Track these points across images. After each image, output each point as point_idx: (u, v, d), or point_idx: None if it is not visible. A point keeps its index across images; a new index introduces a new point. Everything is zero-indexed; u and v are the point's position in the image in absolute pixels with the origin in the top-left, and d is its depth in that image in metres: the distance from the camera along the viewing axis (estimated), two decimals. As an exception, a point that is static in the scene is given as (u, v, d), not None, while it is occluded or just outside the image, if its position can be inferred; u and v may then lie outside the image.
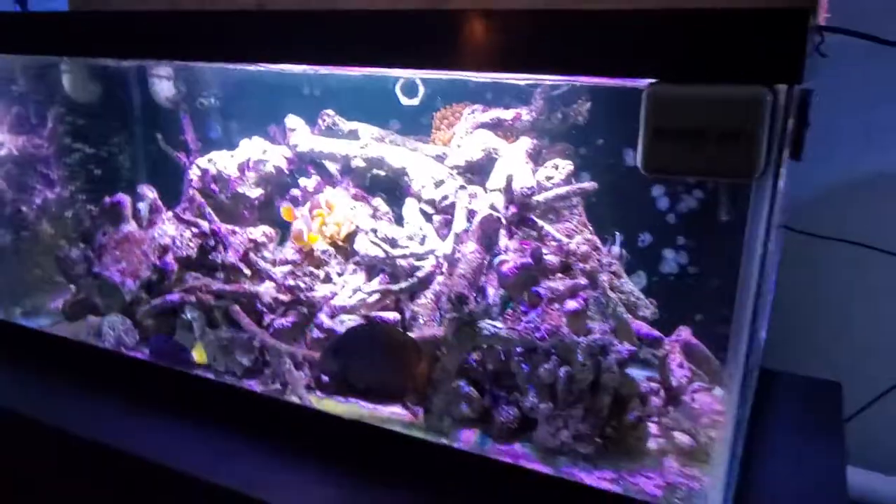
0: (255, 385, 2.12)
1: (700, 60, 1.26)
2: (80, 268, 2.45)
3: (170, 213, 2.44)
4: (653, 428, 1.89)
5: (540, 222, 2.05)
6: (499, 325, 1.88)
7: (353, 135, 2.50)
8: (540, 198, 2.06)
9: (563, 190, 2.03)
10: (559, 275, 1.98)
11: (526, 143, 2.29)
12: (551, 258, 1.99)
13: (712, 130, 1.23)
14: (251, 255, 2.25)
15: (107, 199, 2.45)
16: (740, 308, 1.46)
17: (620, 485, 1.71)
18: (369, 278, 2.25)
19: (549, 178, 2.13)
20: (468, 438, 1.94)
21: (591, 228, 2.14)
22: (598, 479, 1.74)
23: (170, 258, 2.39)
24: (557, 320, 1.90)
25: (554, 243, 2.05)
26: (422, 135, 2.57)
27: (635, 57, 1.31)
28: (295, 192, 2.52)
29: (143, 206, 2.46)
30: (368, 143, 2.36)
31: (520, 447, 1.89)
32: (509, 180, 2.04)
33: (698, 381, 1.98)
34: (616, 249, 2.20)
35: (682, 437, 1.88)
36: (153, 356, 2.24)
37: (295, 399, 2.06)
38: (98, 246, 2.45)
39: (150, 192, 2.47)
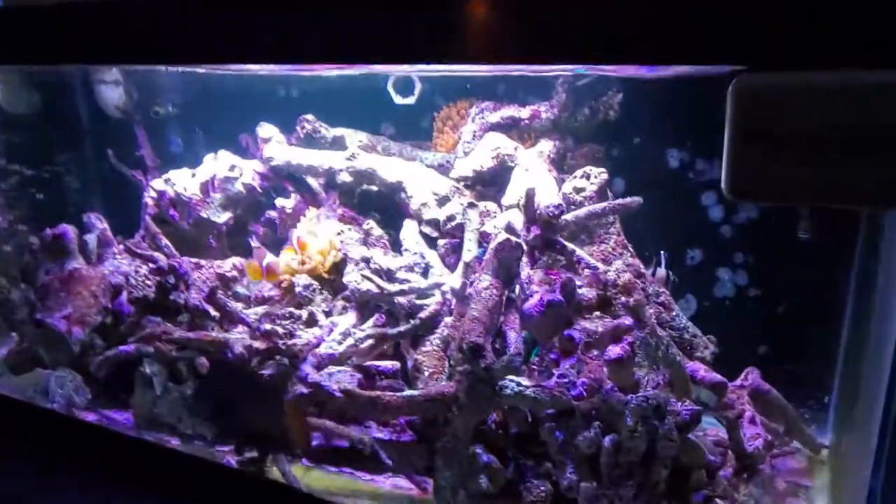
0: (229, 457, 1.76)
1: (811, 38, 0.88)
2: (21, 312, 2.10)
3: (121, 247, 2.07)
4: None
5: (570, 246, 1.67)
6: (524, 381, 1.51)
7: (338, 143, 2.13)
8: (570, 216, 1.68)
9: (598, 207, 1.66)
10: (597, 313, 1.61)
11: (546, 146, 1.93)
12: (586, 291, 1.62)
13: (839, 135, 0.85)
14: (218, 294, 1.89)
15: (48, 232, 2.09)
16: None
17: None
18: (362, 319, 1.89)
19: (579, 191, 1.76)
20: (492, 520, 1.58)
21: (631, 251, 1.76)
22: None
23: (124, 299, 2.03)
24: (598, 372, 1.53)
25: (588, 272, 1.67)
26: (422, 139, 2.21)
27: (716, 38, 0.93)
28: (271, 213, 2.16)
29: (90, 239, 2.09)
30: (356, 153, 1.99)
31: (556, 534, 1.52)
32: (530, 195, 1.66)
33: (778, 443, 1.61)
34: (662, 272, 1.83)
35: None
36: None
37: (276, 473, 1.71)
38: (41, 286, 2.09)
39: (98, 222, 2.10)
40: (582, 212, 1.67)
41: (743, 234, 1.91)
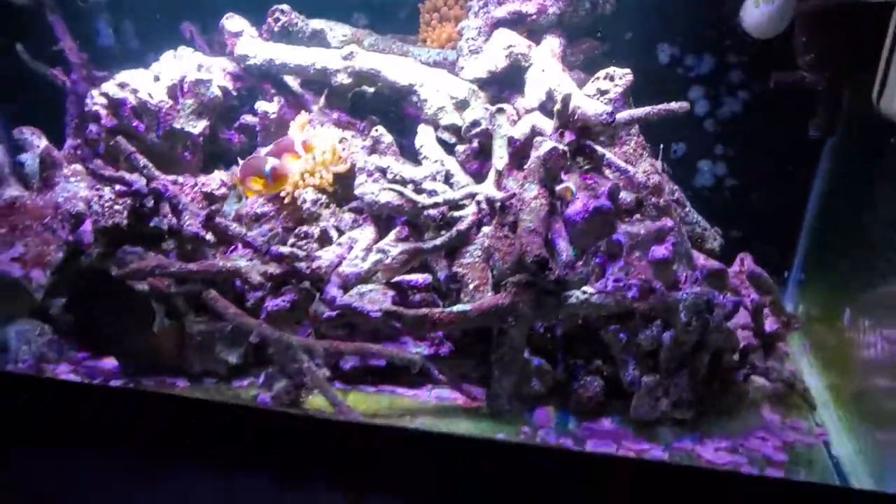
0: (263, 395, 1.67)
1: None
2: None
3: (73, 167, 1.75)
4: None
5: (600, 150, 1.71)
6: (589, 289, 1.57)
7: (317, 38, 1.93)
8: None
9: (641, 112, 1.69)
10: (637, 216, 1.69)
11: (555, 44, 1.89)
12: (625, 195, 1.68)
13: None
14: (218, 218, 1.70)
15: (-34, 155, 1.71)
16: None
17: (741, 454, 1.57)
18: (379, 233, 1.81)
19: (602, 92, 1.77)
20: (544, 418, 1.68)
21: (649, 151, 1.83)
22: (715, 451, 1.58)
23: (88, 229, 1.76)
24: (646, 273, 1.63)
25: (617, 175, 1.73)
26: (402, 32, 2.05)
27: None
28: (249, 119, 1.93)
29: (28, 159, 1.75)
30: (355, 51, 1.81)
31: (609, 423, 1.67)
32: (566, 101, 1.65)
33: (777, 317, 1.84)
34: (658, 165, 1.93)
35: (773, 386, 1.76)
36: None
37: (308, 404, 1.64)
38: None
39: (36, 139, 1.75)
40: (625, 115, 1.68)
41: (725, 129, 2.06)
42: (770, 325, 1.77)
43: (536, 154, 1.63)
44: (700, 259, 1.83)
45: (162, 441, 1.51)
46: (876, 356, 1.55)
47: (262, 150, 1.84)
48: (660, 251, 1.64)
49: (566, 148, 1.63)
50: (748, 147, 2.06)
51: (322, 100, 1.90)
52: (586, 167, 1.75)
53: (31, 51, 1.89)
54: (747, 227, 2.10)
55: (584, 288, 1.57)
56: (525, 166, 1.67)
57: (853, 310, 1.70)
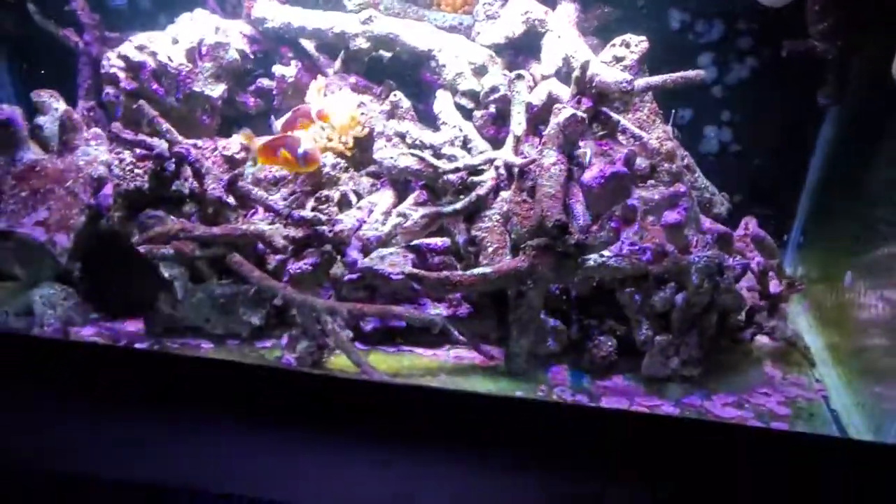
0: (288, 356, 1.72)
1: None
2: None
3: (93, 131, 1.76)
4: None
5: (615, 116, 1.75)
6: (605, 252, 1.63)
7: (333, 1, 1.93)
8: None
9: (658, 79, 1.73)
10: (651, 181, 1.75)
11: (570, 10, 1.91)
12: (640, 162, 1.74)
13: None
14: (240, 182, 1.73)
15: (-17, 117, 1.71)
16: None
17: (747, 409, 1.67)
18: (399, 197, 1.86)
19: (618, 59, 1.80)
20: (559, 377, 1.76)
21: (661, 117, 1.88)
22: (722, 406, 1.68)
23: (109, 192, 1.78)
24: (659, 237, 1.70)
25: (632, 141, 1.78)
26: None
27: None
28: (265, 82, 1.94)
29: (46, 122, 1.75)
30: (374, 14, 1.82)
31: (622, 380, 1.75)
32: (585, 67, 1.69)
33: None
34: (670, 131, 1.98)
35: (775, 344, 1.85)
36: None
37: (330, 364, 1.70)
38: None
39: (55, 102, 1.75)
40: (642, 83, 1.72)
41: (731, 95, 2.11)
42: (774, 286, 1.85)
43: (555, 121, 1.68)
44: (706, 223, 1.90)
45: (195, 399, 1.56)
46: (875, 316, 1.65)
47: (278, 121, 1.85)
48: (672, 216, 1.71)
49: (584, 115, 1.67)
50: (753, 113, 2.12)
51: (337, 63, 1.91)
52: (601, 133, 1.80)
53: (42, 10, 1.87)
54: (749, 191, 2.17)
55: (602, 251, 1.63)
56: (543, 132, 1.71)
57: (854, 272, 1.79)
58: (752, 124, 2.13)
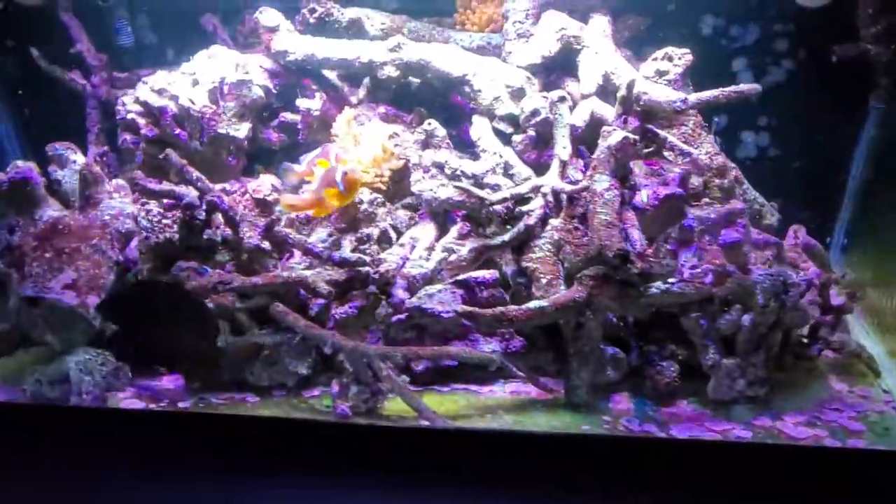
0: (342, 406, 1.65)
1: None
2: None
3: (116, 182, 1.68)
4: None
5: (662, 134, 1.70)
6: (670, 279, 1.59)
7: (354, 27, 1.86)
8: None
9: (710, 95, 1.68)
10: (705, 200, 1.70)
11: (604, 24, 1.86)
12: (693, 180, 1.69)
13: None
14: (277, 227, 1.66)
15: (1, 177, 1.61)
16: None
17: (819, 427, 1.63)
18: (440, 229, 1.79)
19: (661, 73, 1.75)
20: (621, 406, 1.71)
21: (706, 130, 1.83)
22: (794, 425, 1.64)
23: (133, 246, 1.70)
24: (718, 257, 1.65)
25: (681, 158, 1.73)
26: (432, 14, 1.99)
27: None
28: (289, 116, 1.87)
29: (65, 176, 1.66)
30: (402, 41, 1.75)
31: (686, 405, 1.71)
32: (630, 87, 1.63)
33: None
34: (712, 140, 1.94)
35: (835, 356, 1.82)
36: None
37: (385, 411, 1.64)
38: (4, 248, 1.65)
39: (73, 154, 1.66)
40: (692, 100, 1.67)
41: (768, 99, 2.06)
42: (835, 298, 1.82)
43: (605, 144, 1.62)
44: (753, 234, 1.86)
45: (256, 461, 1.50)
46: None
47: (305, 157, 1.77)
48: (731, 235, 1.66)
49: (636, 137, 1.62)
50: (790, 117, 2.08)
51: (361, 92, 1.84)
52: (647, 151, 1.75)
53: (46, 54, 1.78)
54: (788, 195, 2.13)
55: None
56: (588, 155, 1.65)
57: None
58: (790, 128, 2.10)
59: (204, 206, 1.63)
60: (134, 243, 1.69)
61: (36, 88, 1.91)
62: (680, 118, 1.79)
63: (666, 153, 1.76)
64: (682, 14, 1.98)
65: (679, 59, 1.75)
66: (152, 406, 1.61)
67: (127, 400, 1.68)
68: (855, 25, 1.78)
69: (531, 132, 1.78)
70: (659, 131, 1.72)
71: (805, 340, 1.76)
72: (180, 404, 1.67)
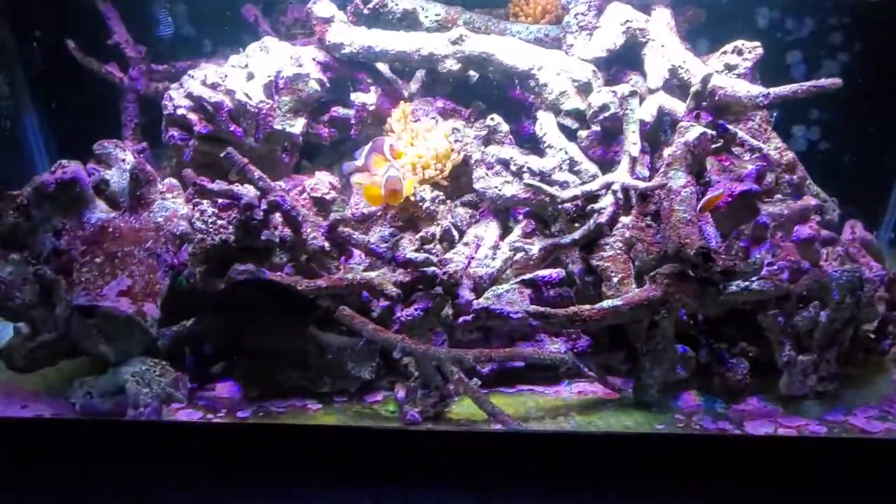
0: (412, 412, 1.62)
1: None
2: (27, 292, 1.58)
3: (168, 182, 1.61)
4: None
5: (732, 129, 1.69)
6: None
7: (409, 18, 1.82)
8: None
9: (788, 90, 1.67)
10: (778, 196, 1.70)
11: (667, 16, 1.84)
12: (767, 176, 1.69)
13: None
14: (341, 227, 1.61)
15: (48, 177, 1.54)
16: None
17: (892, 420, 1.65)
18: (503, 227, 1.77)
19: (730, 67, 1.74)
20: (690, 404, 1.71)
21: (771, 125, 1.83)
22: (866, 419, 1.66)
23: (183, 250, 1.64)
24: (793, 254, 1.66)
25: (751, 154, 1.73)
26: (482, 4, 1.96)
27: None
28: (341, 111, 1.82)
29: (113, 176, 1.59)
30: (465, 34, 1.71)
31: (756, 402, 1.71)
32: (706, 81, 1.62)
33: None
34: None
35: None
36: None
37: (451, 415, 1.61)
38: (52, 253, 1.58)
39: (121, 153, 1.58)
40: (771, 92, 1.66)
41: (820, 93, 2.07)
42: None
43: (681, 140, 1.61)
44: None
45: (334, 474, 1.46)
46: None
47: (360, 152, 1.73)
48: (805, 231, 1.67)
49: (714, 133, 1.61)
50: (840, 111, 2.09)
51: (412, 85, 1.80)
52: (715, 147, 1.74)
53: (81, 46, 1.70)
54: (836, 188, 2.15)
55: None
56: (669, 151, 1.64)
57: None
58: (841, 122, 2.11)
59: (263, 206, 1.58)
60: (185, 245, 1.63)
61: (63, 80, 1.83)
62: (747, 113, 1.79)
63: (734, 149, 1.76)
64: (736, 7, 1.97)
65: (749, 52, 1.75)
66: (210, 417, 1.56)
67: (182, 411, 1.63)
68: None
69: (596, 128, 1.76)
70: (729, 127, 1.71)
71: (873, 336, 1.78)
72: (239, 414, 1.62)
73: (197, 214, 1.61)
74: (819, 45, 2.03)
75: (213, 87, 1.62)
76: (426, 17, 1.77)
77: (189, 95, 1.61)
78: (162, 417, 1.58)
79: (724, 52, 1.76)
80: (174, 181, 1.61)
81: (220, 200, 1.62)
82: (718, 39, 1.92)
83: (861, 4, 1.78)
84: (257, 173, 1.55)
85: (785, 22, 2.01)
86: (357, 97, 1.74)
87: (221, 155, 1.52)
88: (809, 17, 1.98)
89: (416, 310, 1.66)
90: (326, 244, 1.62)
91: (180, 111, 1.62)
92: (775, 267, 1.63)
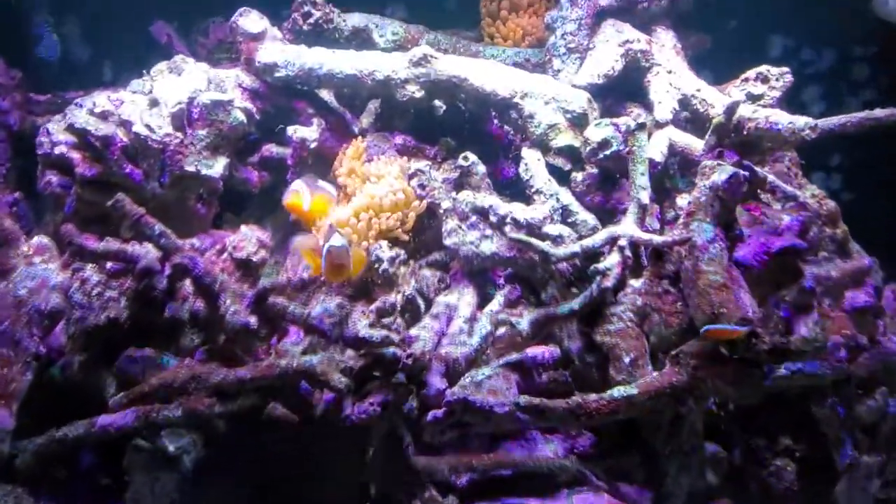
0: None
1: None
2: None
3: (37, 242, 1.26)
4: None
5: (761, 172, 1.43)
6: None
7: (359, 38, 1.54)
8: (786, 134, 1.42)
9: (836, 122, 1.41)
10: (823, 253, 1.44)
11: (671, 39, 1.61)
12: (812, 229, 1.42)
13: None
14: (272, 297, 1.27)
15: None
16: None
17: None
18: (481, 295, 1.45)
19: (754, 98, 1.50)
20: (726, 523, 1.40)
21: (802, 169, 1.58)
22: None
23: (60, 330, 1.27)
24: (846, 325, 1.38)
25: (783, 204, 1.46)
26: (450, 26, 1.71)
27: None
28: (274, 150, 1.51)
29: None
30: (430, 54, 1.43)
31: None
32: (732, 110, 1.37)
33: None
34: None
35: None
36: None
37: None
38: None
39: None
40: (819, 124, 1.41)
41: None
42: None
43: (705, 183, 1.33)
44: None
45: None
46: None
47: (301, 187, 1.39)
48: (861, 298, 1.41)
49: (747, 174, 1.34)
50: (862, 156, 1.87)
51: (365, 118, 1.51)
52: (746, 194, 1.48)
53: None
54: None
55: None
56: (691, 198, 1.35)
57: None
58: (862, 167, 1.89)
59: (168, 271, 1.23)
60: (61, 326, 1.26)
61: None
62: (775, 154, 1.53)
63: (763, 196, 1.49)
64: (747, 32, 1.76)
65: (777, 80, 1.51)
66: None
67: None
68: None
69: (594, 169, 1.48)
70: (758, 169, 1.45)
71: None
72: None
73: (77, 284, 1.25)
74: (839, 77, 1.82)
75: (104, 116, 1.29)
76: (381, 35, 1.50)
77: (71, 128, 1.27)
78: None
79: (747, 80, 1.52)
80: (45, 241, 1.26)
81: (109, 265, 1.26)
82: (726, 70, 1.70)
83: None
84: (158, 227, 1.21)
85: (801, 51, 1.80)
86: (297, 131, 1.43)
87: (108, 203, 1.18)
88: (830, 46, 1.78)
89: (370, 405, 1.32)
90: (252, 320, 1.28)
91: (59, 149, 1.29)
92: (830, 344, 1.34)
